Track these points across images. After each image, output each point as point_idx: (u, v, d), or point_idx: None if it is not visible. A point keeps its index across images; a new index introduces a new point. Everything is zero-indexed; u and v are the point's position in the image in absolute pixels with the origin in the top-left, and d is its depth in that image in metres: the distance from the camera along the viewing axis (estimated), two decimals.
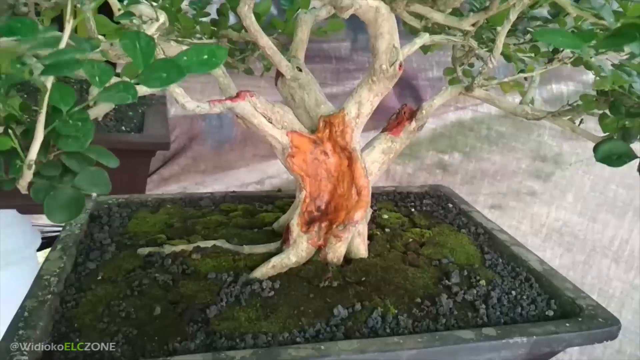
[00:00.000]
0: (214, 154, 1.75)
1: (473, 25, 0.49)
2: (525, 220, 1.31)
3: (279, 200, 0.86)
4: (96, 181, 0.31)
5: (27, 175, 0.30)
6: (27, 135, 0.31)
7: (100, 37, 0.49)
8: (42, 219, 1.96)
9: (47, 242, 1.83)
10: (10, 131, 0.30)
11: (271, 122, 0.63)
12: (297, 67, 0.68)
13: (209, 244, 0.69)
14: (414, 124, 0.69)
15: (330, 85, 1.63)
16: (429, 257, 0.70)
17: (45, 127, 0.29)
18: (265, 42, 0.62)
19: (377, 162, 0.69)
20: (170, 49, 0.61)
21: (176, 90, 0.53)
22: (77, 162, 0.31)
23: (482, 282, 0.64)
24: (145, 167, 1.39)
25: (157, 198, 0.85)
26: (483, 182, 1.48)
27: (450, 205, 0.87)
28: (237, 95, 0.61)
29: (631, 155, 0.44)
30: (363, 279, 0.63)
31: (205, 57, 0.35)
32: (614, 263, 1.24)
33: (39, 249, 1.59)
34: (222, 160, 1.72)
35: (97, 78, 0.30)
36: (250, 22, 0.60)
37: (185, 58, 0.34)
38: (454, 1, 0.36)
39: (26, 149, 0.31)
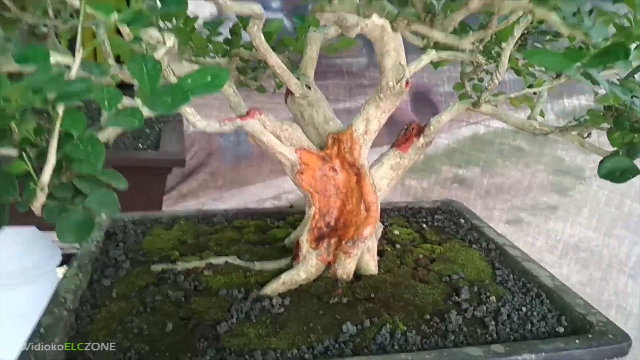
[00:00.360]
0: (231, 170, 1.78)
1: (474, 43, 0.49)
2: (540, 236, 1.30)
3: (290, 217, 0.87)
4: (106, 202, 0.32)
5: (41, 197, 0.32)
6: (41, 158, 0.32)
7: (111, 61, 0.50)
8: None
9: (66, 258, 1.87)
10: (24, 155, 0.32)
11: (280, 140, 0.64)
12: (306, 85, 0.69)
13: (220, 260, 0.70)
14: (422, 140, 0.70)
15: (343, 100, 1.65)
16: (439, 273, 0.70)
17: (58, 151, 0.31)
18: (275, 60, 0.64)
19: (386, 177, 0.70)
20: (183, 68, 0.63)
21: (187, 109, 0.54)
22: (88, 185, 0.32)
23: (492, 298, 0.64)
24: (161, 183, 1.41)
25: (171, 215, 0.87)
26: (498, 197, 1.47)
27: (462, 221, 0.87)
28: (247, 114, 0.62)
29: (634, 171, 0.44)
30: (372, 295, 0.63)
31: (209, 79, 0.36)
32: (630, 279, 1.22)
33: (59, 265, 1.62)
34: (240, 175, 1.74)
35: (106, 102, 0.31)
36: (260, 41, 0.62)
37: (189, 81, 0.35)
38: (451, 21, 0.36)
39: (40, 170, 0.32)
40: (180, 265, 0.69)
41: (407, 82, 0.64)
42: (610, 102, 0.46)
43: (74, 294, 0.62)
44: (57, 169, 0.32)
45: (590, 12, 0.31)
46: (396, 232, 0.81)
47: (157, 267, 0.69)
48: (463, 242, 0.80)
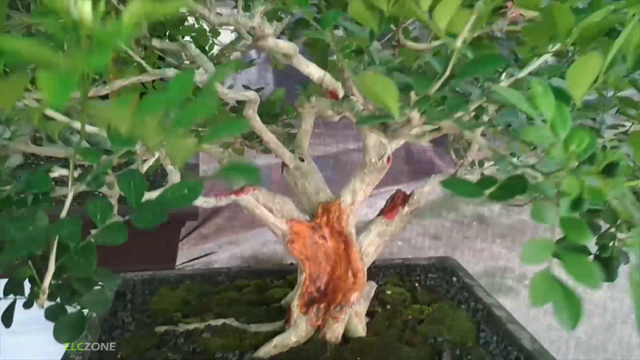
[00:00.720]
0: (247, 213, 1.85)
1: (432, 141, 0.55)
2: None
3: (290, 275, 0.92)
4: (98, 301, 0.38)
5: (42, 298, 0.37)
6: (44, 262, 0.38)
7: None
8: None
9: None
10: (29, 262, 0.38)
11: (272, 212, 0.70)
12: (300, 158, 0.75)
13: (219, 322, 0.75)
14: (407, 209, 0.74)
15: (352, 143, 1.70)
16: (426, 334, 0.73)
17: (56, 260, 0.36)
18: (269, 137, 0.69)
19: (374, 244, 0.74)
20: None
21: None
22: (83, 285, 0.37)
23: None
24: (176, 235, 1.48)
25: (178, 274, 0.92)
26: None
27: (455, 279, 0.91)
28: (242, 190, 0.68)
29: (585, 253, 0.48)
30: (358, 358, 0.67)
31: (185, 192, 0.41)
32: (634, 331, 1.22)
33: None
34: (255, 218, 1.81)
35: (98, 216, 0.37)
36: (254, 122, 0.68)
37: (169, 194, 0.41)
38: (400, 134, 0.41)
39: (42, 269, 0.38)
40: (182, 327, 0.74)
41: (388, 159, 0.69)
42: None
43: (82, 355, 0.67)
44: (57, 273, 0.38)
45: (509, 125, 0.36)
46: (389, 292, 0.85)
47: (160, 329, 0.74)
48: (452, 302, 0.83)
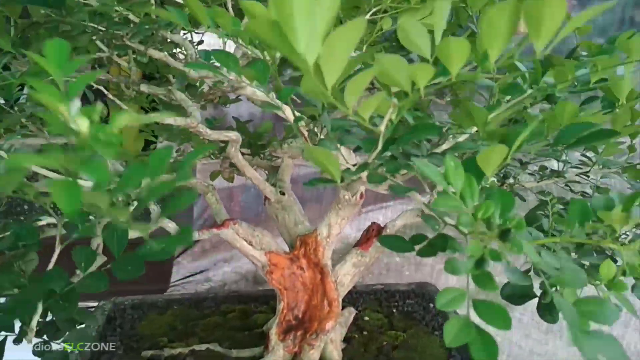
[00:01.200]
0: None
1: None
2: (526, 312, 1.35)
3: (274, 300, 0.96)
4: (81, 337, 0.42)
5: (31, 335, 0.42)
6: (32, 304, 0.43)
7: None
8: None
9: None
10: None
11: (252, 244, 0.74)
12: (281, 192, 0.79)
13: (203, 347, 0.79)
14: None
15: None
16: None
17: (43, 304, 0.41)
18: (252, 173, 0.74)
19: (349, 274, 0.78)
20: None
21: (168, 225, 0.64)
22: (67, 324, 0.42)
23: None
24: (170, 262, 1.52)
25: (167, 299, 0.97)
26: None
27: (431, 305, 0.95)
28: (222, 224, 0.72)
29: (531, 295, 0.52)
30: None
31: (163, 246, 0.46)
32: None
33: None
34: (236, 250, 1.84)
35: (82, 264, 0.42)
36: (237, 159, 0.72)
37: (148, 248, 0.46)
38: (353, 187, 0.46)
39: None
40: (167, 352, 0.78)
41: (361, 195, 0.74)
42: None
43: None
44: (43, 313, 0.42)
45: None
46: (366, 317, 0.89)
47: (146, 354, 0.78)
48: (427, 327, 0.87)
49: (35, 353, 0.41)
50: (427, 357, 0.78)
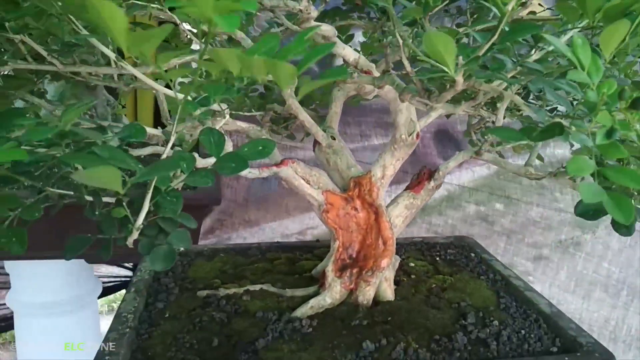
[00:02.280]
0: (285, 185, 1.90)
1: (466, 109, 0.60)
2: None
3: (317, 250, 0.97)
4: (182, 239, 0.43)
5: (134, 235, 0.43)
6: (133, 205, 0.44)
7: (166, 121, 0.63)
8: (103, 269, 2.14)
9: (106, 290, 1.99)
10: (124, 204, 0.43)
11: (309, 184, 0.75)
12: (332, 136, 0.80)
13: (257, 287, 0.80)
14: (432, 184, 0.80)
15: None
16: (449, 300, 0.79)
17: (150, 200, 0.42)
18: (304, 117, 0.75)
19: (401, 216, 0.80)
20: (229, 123, 0.75)
21: None
22: (169, 225, 0.43)
23: (495, 322, 0.73)
24: (199, 220, 1.54)
25: (212, 248, 0.98)
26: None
27: (473, 255, 0.96)
28: (282, 162, 0.73)
29: (603, 211, 0.53)
30: (389, 318, 0.73)
31: (260, 148, 0.47)
32: (612, 342, 1.27)
33: (99, 297, 1.74)
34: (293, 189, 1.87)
35: (184, 165, 0.43)
36: (292, 102, 0.73)
37: (245, 149, 0.47)
38: (443, 98, 0.47)
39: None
40: (222, 292, 0.79)
41: (417, 135, 0.75)
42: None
43: (134, 314, 0.73)
44: (146, 214, 0.43)
45: (540, 91, 0.41)
46: (412, 264, 0.91)
47: (202, 293, 0.80)
48: (472, 273, 0.89)
49: (142, 250, 0.42)
50: (477, 298, 0.80)
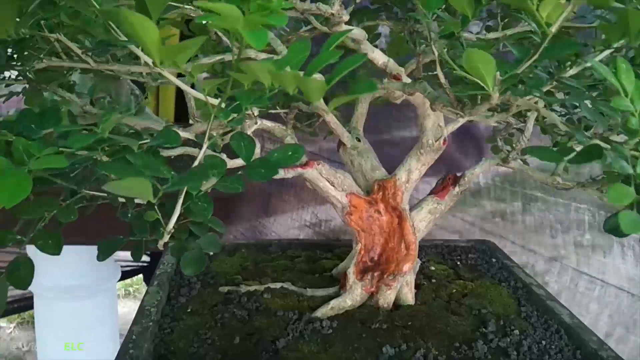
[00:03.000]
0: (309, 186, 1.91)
1: (498, 121, 0.60)
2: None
3: (337, 249, 0.98)
4: (212, 243, 0.44)
5: (165, 237, 0.44)
6: (164, 209, 0.45)
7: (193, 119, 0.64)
8: (121, 254, 2.17)
9: (124, 275, 2.03)
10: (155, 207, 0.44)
11: (333, 185, 0.75)
12: (357, 138, 0.80)
13: (277, 285, 0.81)
14: (457, 189, 0.79)
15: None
16: (470, 306, 0.79)
17: (182, 205, 0.43)
18: (331, 118, 0.75)
19: (424, 220, 0.80)
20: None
21: None
22: (200, 229, 0.44)
23: (516, 331, 0.73)
24: (223, 212, 1.55)
25: (233, 243, 0.99)
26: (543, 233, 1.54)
27: (494, 260, 0.96)
28: (307, 164, 0.73)
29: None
30: (409, 323, 0.73)
31: (290, 153, 0.47)
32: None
33: (118, 281, 1.77)
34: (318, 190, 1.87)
35: (215, 172, 0.43)
36: (319, 103, 0.73)
37: (275, 155, 0.47)
38: (477, 111, 0.47)
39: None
40: (244, 288, 0.80)
41: (444, 141, 0.74)
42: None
43: (157, 308, 0.74)
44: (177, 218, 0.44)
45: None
46: (432, 267, 0.90)
47: (224, 289, 0.80)
48: (493, 279, 0.88)
49: (172, 253, 0.43)
50: (498, 306, 0.80)
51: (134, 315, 0.72)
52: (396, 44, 0.78)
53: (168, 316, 0.74)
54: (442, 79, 0.48)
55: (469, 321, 0.75)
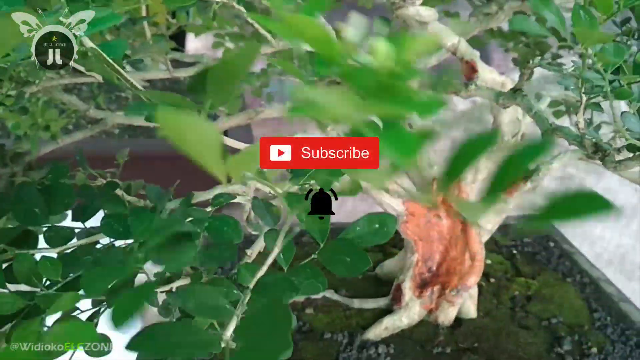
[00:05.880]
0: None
1: None
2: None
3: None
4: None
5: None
6: None
7: None
8: None
9: None
10: None
11: (388, 192, 0.64)
12: (409, 125, 0.67)
13: (318, 295, 0.72)
14: (529, 185, 0.68)
15: None
16: (538, 315, 0.70)
17: None
18: None
19: (490, 222, 0.69)
20: None
21: None
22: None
23: (594, 349, 0.65)
24: None
25: None
26: None
27: (552, 245, 0.86)
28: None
29: None
30: (475, 344, 0.64)
31: (377, 226, 0.36)
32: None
33: None
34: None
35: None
36: None
37: (358, 228, 0.36)
38: (628, 166, 0.35)
39: None
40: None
41: (523, 136, 0.62)
42: None
43: None
44: None
45: None
46: (488, 261, 0.81)
47: None
48: (556, 273, 0.79)
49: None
50: (568, 311, 0.71)
51: None
52: (464, 24, 0.63)
53: None
54: (582, 124, 0.35)
55: (541, 337, 0.66)
